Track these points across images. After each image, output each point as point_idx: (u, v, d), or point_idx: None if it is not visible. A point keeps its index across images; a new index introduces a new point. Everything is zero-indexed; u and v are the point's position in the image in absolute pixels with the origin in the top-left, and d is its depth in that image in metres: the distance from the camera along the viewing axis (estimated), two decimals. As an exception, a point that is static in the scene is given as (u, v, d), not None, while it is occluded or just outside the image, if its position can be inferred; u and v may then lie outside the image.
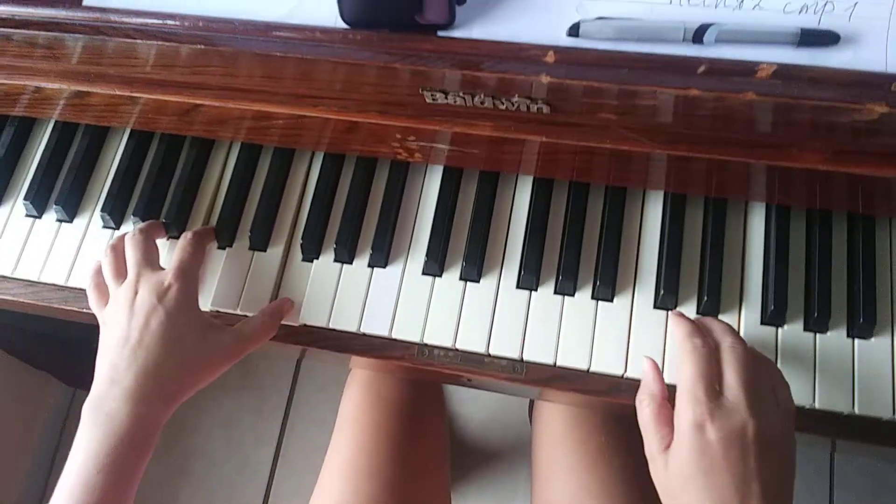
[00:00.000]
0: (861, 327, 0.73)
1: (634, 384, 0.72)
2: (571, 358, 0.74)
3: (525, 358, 0.75)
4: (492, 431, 1.62)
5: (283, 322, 0.77)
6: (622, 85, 0.61)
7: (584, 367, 0.74)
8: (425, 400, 1.02)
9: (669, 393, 0.66)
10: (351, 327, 0.77)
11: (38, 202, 0.85)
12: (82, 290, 0.81)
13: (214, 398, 1.67)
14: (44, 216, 0.85)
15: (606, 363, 0.74)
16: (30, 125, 0.89)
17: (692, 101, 0.61)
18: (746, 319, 0.75)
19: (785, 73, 0.58)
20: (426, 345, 0.76)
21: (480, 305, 0.77)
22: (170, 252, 0.81)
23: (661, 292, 0.75)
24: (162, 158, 0.85)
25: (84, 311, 0.80)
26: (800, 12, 0.59)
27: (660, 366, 0.71)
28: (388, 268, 0.79)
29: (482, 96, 0.65)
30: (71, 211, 0.84)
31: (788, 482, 0.60)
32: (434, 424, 1.03)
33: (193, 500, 1.63)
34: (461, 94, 0.65)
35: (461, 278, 0.78)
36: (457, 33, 0.62)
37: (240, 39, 0.65)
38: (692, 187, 0.77)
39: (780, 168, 0.68)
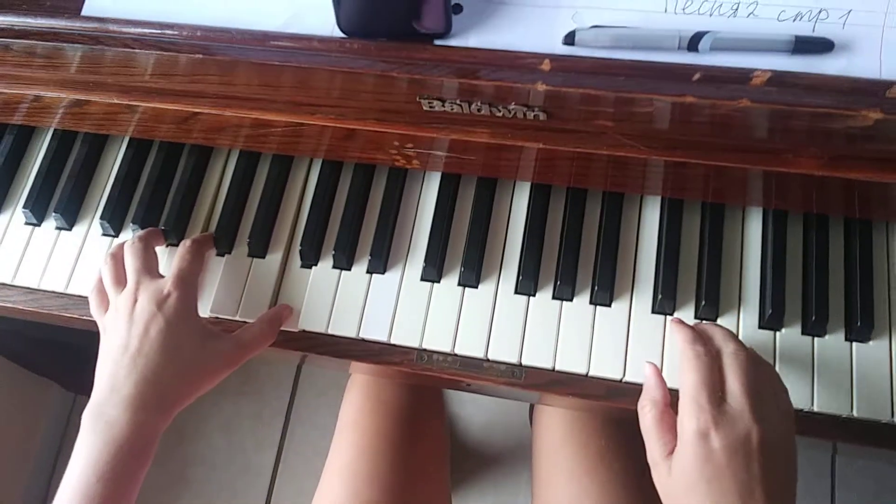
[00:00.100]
0: (859, 331, 0.73)
1: (633, 388, 0.73)
2: (570, 362, 0.74)
3: (524, 363, 0.75)
4: (492, 434, 1.62)
5: (282, 328, 0.77)
6: (618, 92, 0.61)
7: (582, 371, 0.74)
8: (425, 404, 1.02)
9: (671, 398, 0.66)
10: (350, 333, 0.77)
11: (38, 210, 0.85)
12: (82, 297, 0.81)
13: (215, 403, 1.67)
14: (43, 224, 0.86)
15: (605, 367, 0.74)
16: (29, 133, 0.90)
17: (688, 109, 0.61)
18: (744, 323, 0.75)
19: (780, 80, 0.58)
20: (425, 350, 0.77)
21: (479, 311, 0.77)
22: (169, 259, 0.82)
23: (659, 297, 0.75)
24: (161, 166, 0.85)
25: (84, 317, 0.80)
26: (794, 20, 0.59)
27: (659, 368, 0.72)
28: (386, 274, 0.79)
29: (479, 104, 0.65)
30: (70, 219, 0.85)
31: (791, 486, 0.60)
32: (434, 428, 1.03)
33: (195, 505, 1.63)
34: (458, 102, 0.66)
35: (459, 284, 0.78)
36: (453, 42, 0.63)
37: (238, 49, 0.65)
38: (689, 192, 0.77)
39: (776, 174, 0.69)
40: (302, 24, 0.65)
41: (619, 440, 0.91)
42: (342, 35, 0.63)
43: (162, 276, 0.74)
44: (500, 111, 0.66)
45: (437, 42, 0.63)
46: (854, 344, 0.73)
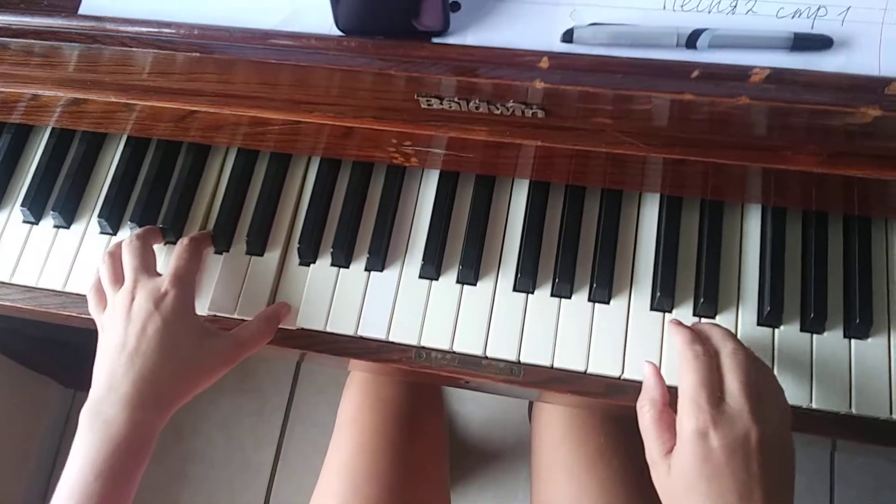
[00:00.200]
0: (857, 328, 0.73)
1: (632, 385, 0.73)
2: (568, 360, 0.74)
3: (522, 360, 0.75)
4: (492, 431, 1.62)
5: (280, 326, 0.77)
6: (616, 90, 0.61)
7: (581, 368, 0.74)
8: (424, 401, 1.02)
9: (670, 397, 0.66)
10: (348, 331, 0.77)
11: (36, 208, 0.85)
12: (80, 296, 0.81)
13: (214, 401, 1.67)
14: (41, 222, 0.85)
15: (603, 365, 0.74)
16: (27, 132, 0.90)
17: (686, 106, 0.61)
18: (743, 321, 0.75)
19: (778, 77, 0.58)
20: (423, 348, 0.77)
21: (477, 308, 0.77)
22: (167, 257, 0.81)
23: (658, 294, 0.75)
24: (159, 164, 0.85)
25: (82, 315, 0.80)
26: (793, 17, 0.59)
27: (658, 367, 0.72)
28: (384, 271, 0.79)
29: (477, 102, 0.65)
30: (68, 217, 0.84)
31: (789, 485, 0.61)
32: (433, 425, 1.03)
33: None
34: (456, 100, 0.66)
35: (458, 281, 0.78)
36: (451, 40, 0.63)
37: (235, 47, 0.65)
38: (688, 190, 0.77)
39: (775, 171, 0.69)
40: (300, 23, 0.65)
41: (617, 437, 0.91)
42: (340, 33, 0.63)
43: (160, 275, 0.74)
44: (498, 109, 0.66)
45: (435, 40, 0.63)
46: (853, 341, 0.73)
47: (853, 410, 0.71)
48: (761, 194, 0.75)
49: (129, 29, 0.66)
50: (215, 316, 0.80)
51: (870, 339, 0.73)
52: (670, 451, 0.62)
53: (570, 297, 0.77)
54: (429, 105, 0.67)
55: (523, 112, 0.65)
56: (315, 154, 0.84)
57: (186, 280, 0.73)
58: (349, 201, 0.82)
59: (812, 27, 0.59)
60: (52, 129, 0.89)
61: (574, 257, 0.77)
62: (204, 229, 0.83)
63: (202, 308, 0.79)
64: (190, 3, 0.67)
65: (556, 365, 0.74)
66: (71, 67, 0.72)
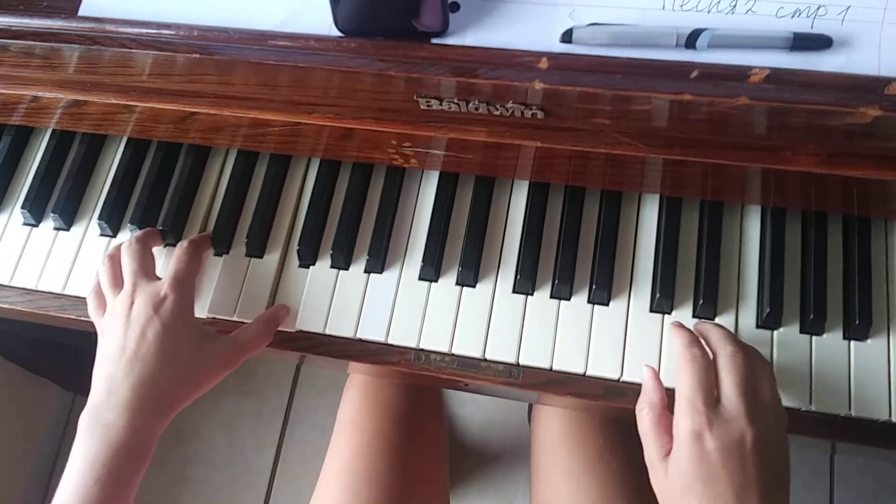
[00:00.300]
0: (857, 329, 0.73)
1: (631, 388, 0.73)
2: (568, 362, 0.74)
3: (521, 362, 0.75)
4: (492, 433, 1.61)
5: (279, 328, 0.77)
6: (615, 91, 0.61)
7: (580, 371, 0.74)
8: (423, 403, 1.02)
9: (669, 400, 0.66)
10: (347, 333, 0.77)
11: (36, 210, 0.85)
12: (79, 298, 0.81)
13: (214, 403, 1.67)
14: (41, 224, 0.85)
15: (603, 367, 0.74)
16: (27, 134, 0.90)
17: (686, 106, 0.61)
18: (743, 322, 0.75)
19: (778, 77, 0.58)
20: (423, 350, 0.76)
21: (477, 310, 0.77)
22: (167, 259, 0.81)
23: (657, 296, 0.75)
24: (159, 166, 0.85)
25: (82, 318, 0.80)
26: (792, 16, 0.59)
27: (657, 370, 0.71)
28: (384, 273, 0.79)
29: (477, 102, 0.65)
30: (68, 219, 0.84)
31: (785, 486, 0.61)
32: (432, 428, 1.03)
33: (194, 505, 1.63)
34: (456, 101, 0.66)
35: (457, 283, 0.78)
36: (451, 40, 0.63)
37: (235, 48, 0.65)
38: (687, 191, 0.77)
39: (774, 171, 0.69)
40: (299, 24, 0.65)
41: (616, 439, 0.91)
42: (339, 34, 0.63)
43: (159, 278, 0.74)
44: (497, 110, 0.66)
45: (435, 41, 0.63)
46: (852, 342, 0.73)
47: (852, 413, 0.71)
48: (761, 195, 0.75)
49: (129, 30, 0.66)
50: (214, 318, 0.79)
51: (869, 341, 0.73)
52: (668, 453, 0.62)
53: (569, 299, 0.77)
54: (428, 106, 0.67)
55: (522, 113, 0.65)
56: (315, 155, 0.84)
57: (186, 284, 0.73)
58: (349, 203, 0.82)
59: (812, 27, 0.59)
60: (53, 130, 0.89)
61: (573, 259, 0.77)
62: (204, 231, 0.83)
63: (202, 310, 0.79)
64: (189, 5, 0.67)
65: (555, 367, 0.74)
66: (71, 69, 0.72)
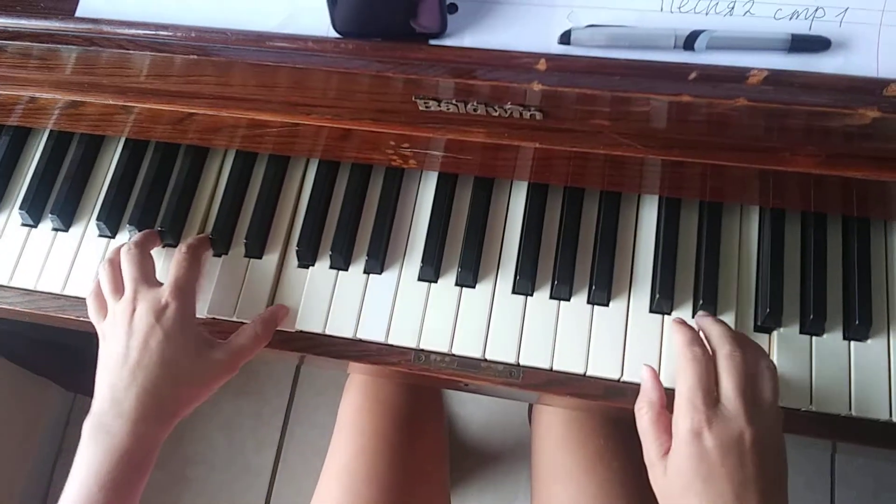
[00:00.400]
0: (857, 329, 0.73)
1: (631, 388, 0.73)
2: (568, 362, 0.74)
3: (521, 363, 0.75)
4: (492, 433, 1.61)
5: (278, 328, 0.77)
6: (614, 92, 0.61)
7: (580, 371, 0.74)
8: (424, 404, 1.02)
9: (668, 399, 0.66)
10: (347, 333, 0.77)
11: (34, 211, 0.85)
12: (79, 299, 0.81)
13: (214, 403, 1.67)
14: (40, 225, 0.85)
15: (603, 367, 0.74)
16: (25, 135, 0.90)
17: (684, 108, 0.61)
18: (742, 322, 0.75)
19: (776, 78, 0.57)
20: (422, 350, 0.76)
21: (476, 310, 0.77)
22: (166, 261, 0.81)
23: (657, 296, 0.75)
24: (157, 167, 0.85)
25: (81, 319, 0.80)
26: (790, 18, 0.59)
27: (657, 369, 0.71)
28: (383, 274, 0.79)
29: (475, 104, 0.65)
30: (67, 220, 0.84)
31: (783, 484, 0.61)
32: (433, 428, 1.03)
33: (195, 505, 1.63)
34: (454, 102, 0.65)
35: (457, 284, 0.78)
36: (449, 42, 0.62)
37: (233, 49, 0.65)
38: (687, 192, 0.77)
39: (773, 172, 0.68)
40: (297, 25, 0.65)
41: (617, 439, 0.91)
42: (337, 35, 0.63)
43: (159, 284, 0.74)
44: (496, 111, 0.66)
45: (433, 42, 0.63)
46: (852, 343, 0.73)
47: (853, 413, 0.71)
48: (760, 196, 0.75)
49: (127, 31, 0.66)
50: (215, 318, 0.79)
51: (869, 341, 0.73)
52: (667, 452, 0.63)
53: (569, 300, 0.77)
54: (426, 107, 0.67)
55: (521, 114, 0.65)
56: (313, 156, 0.84)
57: (186, 290, 0.73)
58: (348, 204, 0.81)
59: (810, 28, 0.59)
60: (51, 131, 0.89)
61: (573, 259, 0.77)
62: (202, 232, 0.83)
63: (201, 311, 0.79)
64: (187, 6, 0.67)
65: (555, 367, 0.74)
66: (68, 70, 0.72)
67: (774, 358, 0.73)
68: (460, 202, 0.81)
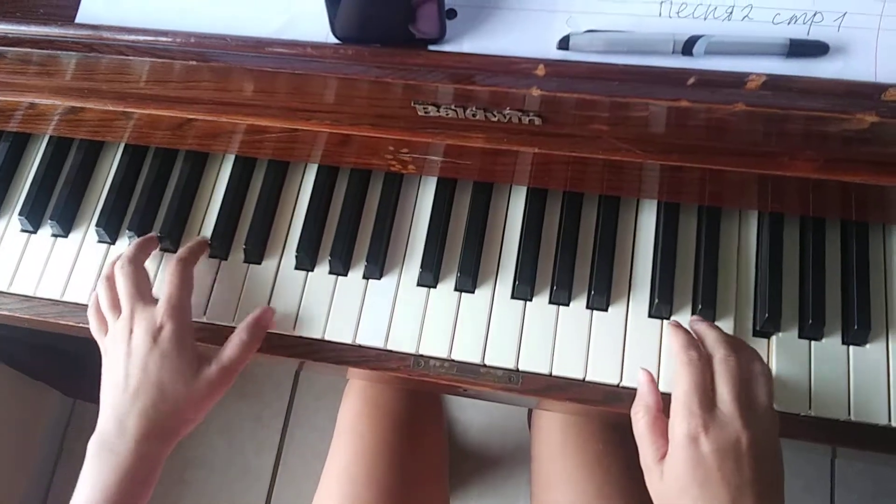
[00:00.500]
0: (856, 334, 0.73)
1: (630, 393, 0.72)
2: (567, 367, 0.74)
3: (520, 368, 0.75)
4: (491, 437, 1.61)
5: (276, 331, 0.77)
6: (613, 97, 0.61)
7: (579, 376, 0.74)
8: (423, 408, 1.02)
9: (664, 404, 0.66)
10: (346, 339, 0.77)
11: (34, 217, 0.85)
12: (78, 305, 0.81)
13: (214, 406, 1.66)
14: (39, 231, 0.85)
15: (602, 372, 0.74)
16: (24, 141, 0.90)
17: (683, 113, 0.61)
18: (741, 327, 0.75)
19: (775, 83, 0.58)
20: (422, 356, 0.76)
21: (475, 316, 0.77)
22: (165, 263, 0.81)
23: (656, 301, 0.75)
24: (156, 172, 0.85)
25: (80, 325, 0.80)
26: (789, 23, 0.59)
27: (655, 374, 0.71)
28: (382, 279, 0.79)
29: (474, 109, 0.65)
30: (66, 226, 0.84)
31: (779, 488, 0.61)
32: (432, 433, 1.03)
33: (195, 509, 1.63)
34: (453, 107, 0.66)
35: (456, 289, 0.78)
36: (448, 47, 0.63)
37: (232, 55, 0.65)
38: (685, 196, 0.77)
39: (772, 177, 0.69)
40: (296, 31, 0.65)
41: (616, 444, 0.91)
42: (336, 41, 0.63)
43: (154, 301, 0.74)
44: (495, 116, 0.66)
45: (432, 48, 0.63)
46: (851, 347, 0.73)
47: (852, 417, 0.71)
48: (759, 200, 0.75)
49: (126, 37, 0.66)
50: (214, 324, 0.79)
51: (868, 346, 0.73)
52: (664, 456, 0.63)
53: (568, 305, 0.77)
54: (425, 112, 0.67)
55: (520, 119, 0.65)
56: (313, 161, 0.84)
57: (181, 307, 0.73)
58: (347, 209, 0.81)
59: (808, 33, 0.59)
60: (50, 137, 0.89)
61: (572, 264, 0.77)
62: (201, 238, 0.83)
63: (200, 316, 0.79)
64: (186, 12, 0.67)
65: (554, 373, 0.74)
66: (68, 76, 0.73)
67: (773, 362, 0.73)
68: (459, 207, 0.81)
